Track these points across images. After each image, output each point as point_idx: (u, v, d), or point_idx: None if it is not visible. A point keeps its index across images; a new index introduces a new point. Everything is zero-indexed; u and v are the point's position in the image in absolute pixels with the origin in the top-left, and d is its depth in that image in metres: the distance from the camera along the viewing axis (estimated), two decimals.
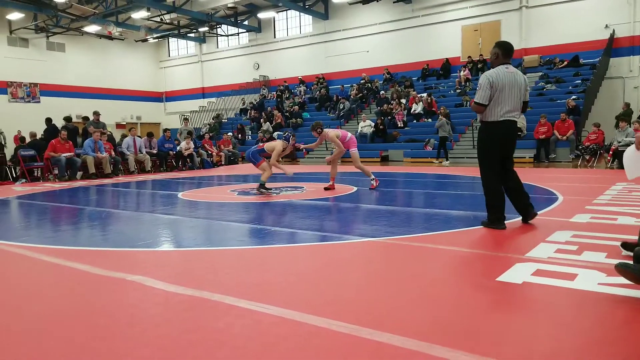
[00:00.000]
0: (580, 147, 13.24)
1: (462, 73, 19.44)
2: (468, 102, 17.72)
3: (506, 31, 19.55)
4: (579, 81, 16.69)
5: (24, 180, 11.83)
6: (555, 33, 18.52)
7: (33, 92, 24.31)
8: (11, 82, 23.53)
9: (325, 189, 8.23)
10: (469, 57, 19.93)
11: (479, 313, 2.44)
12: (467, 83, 19.06)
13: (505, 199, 4.59)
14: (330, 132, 8.27)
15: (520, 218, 4.79)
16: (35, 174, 12.59)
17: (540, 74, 18.13)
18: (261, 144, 8.20)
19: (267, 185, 7.97)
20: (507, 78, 4.39)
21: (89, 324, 2.47)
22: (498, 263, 3.32)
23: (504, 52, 4.52)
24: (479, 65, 19.62)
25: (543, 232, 4.27)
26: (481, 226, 4.62)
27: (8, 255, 4.09)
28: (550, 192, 7.06)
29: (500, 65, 4.49)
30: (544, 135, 13.93)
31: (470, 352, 1.97)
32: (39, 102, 24.18)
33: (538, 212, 4.86)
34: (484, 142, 4.60)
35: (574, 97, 15.34)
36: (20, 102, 23.66)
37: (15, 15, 21.72)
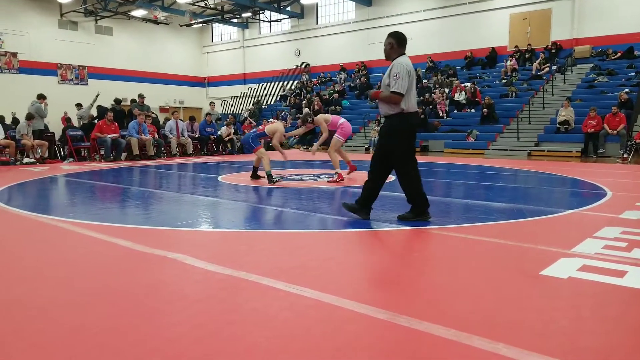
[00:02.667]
0: (631, 143, 12.66)
1: (508, 63, 18.86)
2: (514, 93, 17.23)
3: (557, 20, 18.83)
4: (633, 74, 15.94)
5: (71, 160, 12.27)
6: (609, 23, 17.68)
7: (81, 75, 25.09)
8: (61, 64, 24.34)
9: (347, 174, 8.05)
10: (516, 46, 19.30)
11: (521, 306, 2.37)
12: (514, 73, 18.49)
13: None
14: (320, 117, 7.96)
15: (561, 214, 4.63)
16: (82, 153, 13.04)
17: (591, 65, 17.41)
18: (261, 127, 7.83)
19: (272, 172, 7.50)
20: (412, 68, 4.32)
21: (130, 299, 2.54)
22: (542, 257, 3.21)
23: (398, 42, 4.37)
24: (527, 55, 19.00)
25: (590, 227, 4.11)
26: (400, 220, 4.42)
27: (56, 230, 4.25)
28: (599, 188, 6.79)
29: (398, 55, 4.34)
30: (593, 129, 13.38)
31: (511, 345, 1.91)
32: (86, 84, 24.93)
33: (586, 207, 4.67)
34: (404, 134, 4.34)
35: (626, 90, 14.67)
36: (69, 84, 24.45)
37: None
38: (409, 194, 4.46)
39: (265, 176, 7.39)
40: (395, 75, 4.19)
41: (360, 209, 4.50)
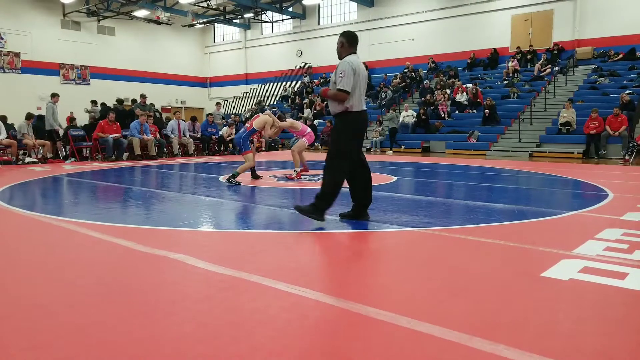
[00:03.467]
0: (632, 144, 12.64)
1: (510, 64, 18.86)
2: (516, 94, 17.22)
3: (559, 21, 18.82)
4: (635, 75, 15.94)
5: (73, 159, 12.28)
6: (611, 24, 17.67)
7: (84, 75, 25.13)
8: (63, 64, 24.38)
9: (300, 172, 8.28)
10: (518, 47, 19.30)
11: (522, 307, 2.37)
12: (516, 74, 18.49)
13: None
14: (288, 121, 8.48)
15: (562, 215, 4.63)
16: (84, 153, 13.06)
17: (593, 66, 17.40)
18: (248, 125, 7.69)
19: (239, 177, 7.54)
20: (361, 67, 4.28)
21: (131, 299, 2.55)
22: (543, 258, 3.22)
23: (349, 41, 4.34)
24: (529, 57, 18.99)
25: (592, 229, 4.11)
26: (295, 210, 4.48)
27: (57, 229, 4.26)
28: (600, 189, 6.79)
29: (349, 54, 4.30)
30: (594, 131, 13.37)
31: (513, 346, 1.92)
32: (89, 84, 24.98)
33: (587, 209, 4.67)
34: (348, 133, 4.31)
35: (628, 91, 14.67)
36: (72, 83, 24.50)
37: None
38: (351, 191, 4.53)
39: (252, 174, 7.80)
40: (341, 73, 4.16)
41: (316, 211, 4.42)
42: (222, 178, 7.99)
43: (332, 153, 4.36)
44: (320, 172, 8.60)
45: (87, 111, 14.51)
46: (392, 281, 2.84)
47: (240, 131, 7.99)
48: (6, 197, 6.11)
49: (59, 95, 12.90)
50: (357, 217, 4.55)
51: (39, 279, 2.87)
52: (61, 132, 12.70)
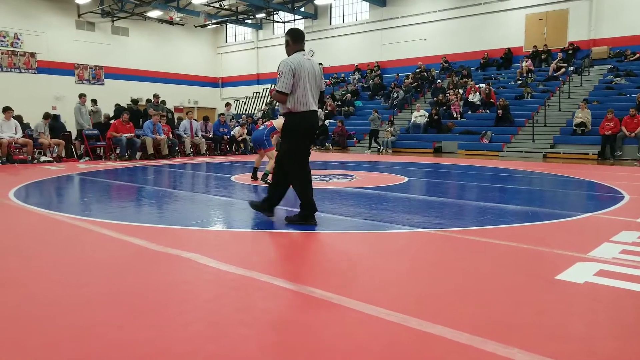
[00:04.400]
0: None
1: (524, 64, 18.67)
2: (529, 94, 17.06)
3: (574, 20, 18.59)
4: None
5: (87, 159, 12.40)
6: (628, 23, 17.41)
7: (98, 75, 25.36)
8: (78, 64, 24.63)
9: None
10: (535, 47, 19.10)
11: (536, 310, 2.34)
12: (529, 74, 18.31)
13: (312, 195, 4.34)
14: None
15: (577, 217, 4.57)
16: (98, 152, 13.18)
17: (609, 66, 17.17)
18: (269, 123, 7.62)
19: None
20: (306, 65, 4.14)
21: (143, 297, 2.56)
22: (558, 261, 3.17)
23: (294, 39, 4.25)
24: (543, 56, 18.80)
25: (607, 231, 4.05)
26: (289, 223, 4.37)
27: (71, 227, 4.30)
28: (616, 191, 6.70)
29: (295, 52, 4.22)
30: (610, 131, 13.19)
31: (526, 350, 1.89)
32: (103, 84, 25.20)
33: (603, 211, 4.61)
34: (294, 134, 4.24)
35: None
36: (86, 83, 24.72)
37: (83, 0, 22.67)
38: (278, 188, 4.46)
39: (253, 174, 7.77)
40: (279, 74, 4.11)
41: (266, 208, 4.47)
42: (252, 180, 7.91)
43: (284, 154, 4.34)
44: (330, 172, 8.64)
45: (91, 112, 14.55)
46: (403, 282, 2.82)
47: (260, 128, 7.89)
48: (22, 196, 6.18)
49: (85, 96, 13.09)
50: (306, 220, 4.41)
51: (52, 277, 2.90)
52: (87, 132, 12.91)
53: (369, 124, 17.48)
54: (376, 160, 13.09)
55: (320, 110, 4.01)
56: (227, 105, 18.39)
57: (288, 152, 4.29)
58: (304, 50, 4.27)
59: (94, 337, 2.05)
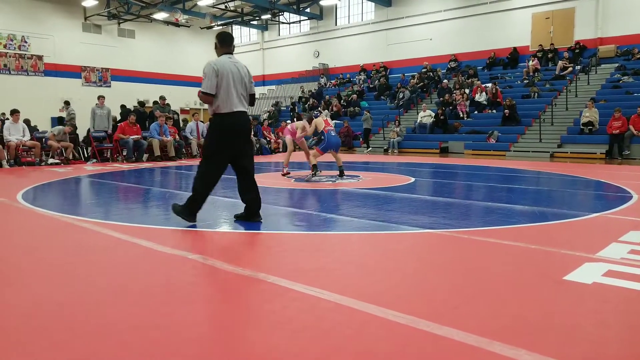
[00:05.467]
0: None
1: (530, 63, 18.59)
2: (536, 94, 16.98)
3: (581, 19, 18.49)
4: None
5: (94, 161, 12.47)
6: (635, 22, 17.30)
7: (104, 77, 25.50)
8: (85, 66, 24.78)
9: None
10: (540, 45, 19.01)
11: (544, 311, 2.33)
12: (536, 74, 18.22)
13: (207, 197, 4.42)
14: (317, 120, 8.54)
15: (584, 217, 4.54)
16: (105, 154, 13.24)
17: (616, 65, 17.07)
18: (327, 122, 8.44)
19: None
20: (230, 68, 4.23)
21: (150, 298, 2.56)
22: (566, 261, 3.16)
23: (221, 42, 4.36)
24: (550, 55, 18.71)
25: (615, 231, 4.02)
26: (236, 219, 4.52)
27: (79, 229, 4.32)
28: (624, 190, 6.65)
29: (223, 54, 4.33)
30: (617, 131, 13.11)
31: (534, 352, 1.88)
32: (109, 86, 25.32)
33: (611, 210, 4.58)
34: (215, 135, 4.33)
35: None
36: (93, 86, 24.86)
37: (89, 2, 22.81)
38: (239, 193, 4.57)
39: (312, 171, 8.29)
40: (204, 76, 4.19)
41: (185, 212, 4.49)
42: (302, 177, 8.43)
43: (203, 155, 4.48)
44: (337, 173, 8.63)
45: (66, 116, 14.56)
46: (410, 283, 2.81)
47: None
48: (30, 198, 6.22)
49: (103, 97, 13.19)
50: (249, 218, 4.58)
51: (60, 278, 2.91)
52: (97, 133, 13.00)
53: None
54: (382, 161, 13.07)
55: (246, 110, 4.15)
56: None
57: (205, 149, 4.45)
58: (231, 53, 4.39)
59: (102, 337, 2.05)
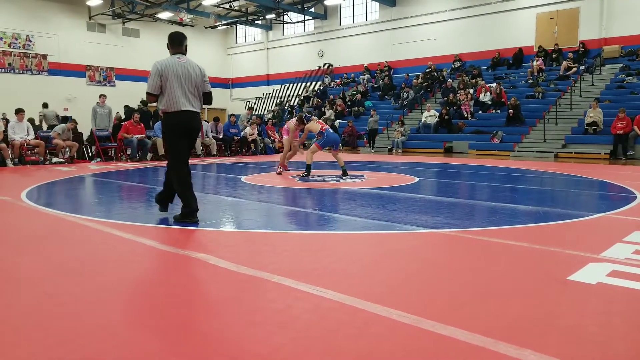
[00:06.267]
0: None
1: (535, 63, 18.54)
2: (541, 94, 16.94)
3: (585, 19, 18.42)
4: None
5: (98, 160, 12.50)
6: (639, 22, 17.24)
7: (109, 76, 25.57)
8: (89, 66, 24.85)
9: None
10: (540, 46, 18.94)
11: (548, 311, 2.32)
12: (540, 74, 18.17)
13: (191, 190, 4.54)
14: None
15: (589, 217, 4.53)
16: (109, 153, 13.28)
17: (620, 65, 17.00)
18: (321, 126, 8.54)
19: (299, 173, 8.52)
20: (177, 68, 4.31)
21: (154, 298, 2.57)
22: (570, 261, 3.15)
23: (170, 42, 4.48)
24: (554, 55, 18.65)
25: (619, 231, 4.01)
26: (174, 221, 4.49)
27: (83, 228, 4.34)
28: (628, 191, 6.63)
29: (173, 55, 4.43)
30: (622, 131, 13.07)
31: (539, 352, 1.88)
32: (114, 85, 25.40)
33: (615, 211, 4.57)
34: (168, 133, 4.47)
35: None
36: (97, 85, 24.93)
37: (94, 2, 22.86)
38: (173, 191, 4.65)
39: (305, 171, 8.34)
40: (149, 76, 4.33)
41: (160, 203, 4.75)
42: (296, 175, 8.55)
43: (168, 156, 4.60)
44: (341, 172, 8.64)
45: (42, 116, 14.57)
46: (414, 283, 2.81)
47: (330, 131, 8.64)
48: (34, 197, 6.25)
49: (105, 96, 13.21)
50: (185, 219, 4.53)
51: (65, 277, 2.92)
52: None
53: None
54: (386, 161, 13.06)
55: (196, 110, 4.31)
56: (250, 109, 18.63)
57: (167, 150, 4.57)
58: (182, 54, 4.47)
59: (107, 336, 2.06)
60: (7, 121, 12.34)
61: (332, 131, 8.38)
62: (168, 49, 4.51)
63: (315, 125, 8.46)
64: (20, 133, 11.43)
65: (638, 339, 2.04)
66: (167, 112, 4.38)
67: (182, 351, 1.92)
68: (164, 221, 4.67)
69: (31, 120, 14.74)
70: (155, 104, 4.58)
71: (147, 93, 4.38)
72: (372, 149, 17.65)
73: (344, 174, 8.38)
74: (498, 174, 9.51)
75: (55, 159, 11.82)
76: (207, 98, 4.62)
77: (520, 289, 2.68)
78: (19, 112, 11.57)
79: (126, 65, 25.99)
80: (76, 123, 13.30)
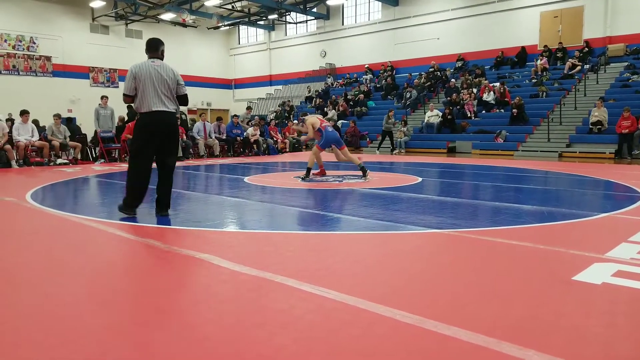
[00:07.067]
0: None
1: (539, 62, 18.47)
2: (545, 93, 16.88)
3: (590, 17, 18.33)
4: None
5: (102, 161, 12.53)
6: None
7: (112, 78, 25.63)
8: (93, 67, 24.93)
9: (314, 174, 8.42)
10: (545, 46, 18.87)
11: (553, 312, 2.31)
12: (544, 73, 18.10)
13: (146, 191, 4.78)
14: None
15: (593, 217, 4.51)
16: (113, 154, 13.31)
17: (625, 63, 16.91)
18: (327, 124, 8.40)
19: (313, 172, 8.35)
20: (150, 70, 4.60)
21: (158, 298, 2.57)
22: (574, 261, 3.13)
23: (148, 47, 4.81)
24: (559, 54, 18.58)
25: (625, 231, 3.98)
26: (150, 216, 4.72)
27: (86, 229, 4.34)
28: (633, 190, 6.59)
29: (149, 59, 4.73)
30: (627, 130, 12.99)
31: (543, 352, 1.86)
32: (117, 87, 25.43)
33: (620, 210, 4.54)
34: (138, 132, 4.73)
35: None
36: (101, 86, 25.00)
37: (97, 3, 22.94)
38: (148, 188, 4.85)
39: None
40: (125, 78, 4.65)
41: (124, 207, 4.82)
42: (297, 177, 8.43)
43: (129, 153, 4.90)
44: (343, 172, 8.64)
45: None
46: (418, 283, 2.80)
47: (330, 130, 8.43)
48: (38, 197, 6.27)
49: (107, 97, 13.21)
50: (158, 212, 4.87)
51: (68, 277, 2.93)
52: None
53: (383, 124, 17.38)
54: (389, 161, 13.05)
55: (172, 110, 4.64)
56: (248, 108, 18.58)
57: (130, 147, 4.84)
58: (157, 58, 4.77)
59: (110, 336, 2.06)
60: (13, 122, 12.38)
61: (331, 129, 8.21)
62: (146, 53, 4.81)
63: (313, 119, 8.32)
64: (25, 134, 11.47)
65: None
66: (141, 113, 4.66)
67: (185, 351, 1.92)
68: (167, 222, 4.68)
69: (35, 122, 14.77)
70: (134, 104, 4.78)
71: (124, 94, 4.67)
72: (379, 149, 17.32)
73: (364, 174, 8.02)
74: (502, 173, 9.49)
75: (59, 160, 11.85)
76: (182, 100, 4.86)
77: (524, 289, 2.67)
78: (24, 113, 11.60)
79: (129, 67, 26.01)
80: (59, 116, 12.97)
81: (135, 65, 4.65)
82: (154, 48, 4.79)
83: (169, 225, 4.51)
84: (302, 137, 8.64)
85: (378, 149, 17.17)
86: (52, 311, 2.37)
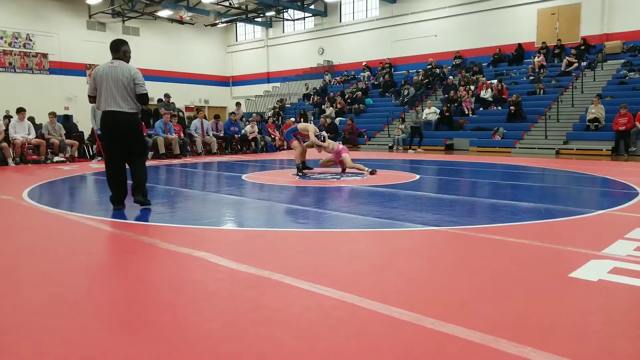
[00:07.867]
0: None
1: (536, 59, 18.47)
2: (542, 90, 16.90)
3: (587, 15, 18.33)
4: None
5: (99, 158, 12.49)
6: None
7: None
8: (90, 64, 24.82)
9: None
10: (544, 42, 18.88)
11: (550, 309, 2.32)
12: (542, 70, 18.11)
13: (122, 185, 5.00)
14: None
15: (590, 214, 4.53)
16: None
17: (622, 61, 16.93)
18: (296, 123, 8.51)
19: (305, 167, 8.49)
20: (107, 71, 4.83)
21: (156, 296, 2.57)
22: (571, 258, 3.14)
23: (110, 49, 5.03)
24: (556, 51, 18.58)
25: (621, 228, 4.00)
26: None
27: (84, 227, 4.34)
28: (630, 187, 6.61)
29: (110, 60, 4.95)
30: (624, 127, 13.02)
31: (541, 349, 1.87)
32: None
33: (617, 207, 4.56)
34: (101, 131, 5.11)
35: None
36: None
37: (93, 0, 22.84)
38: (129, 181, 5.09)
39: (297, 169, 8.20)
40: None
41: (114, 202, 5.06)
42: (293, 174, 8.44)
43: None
44: (338, 170, 8.65)
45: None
46: (415, 281, 2.81)
47: (291, 126, 8.80)
48: (35, 195, 6.25)
49: None
50: (132, 196, 5.17)
51: (68, 277, 2.92)
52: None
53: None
54: (387, 158, 13.06)
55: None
56: (238, 105, 18.46)
57: (103, 147, 5.15)
58: (119, 59, 4.95)
59: (110, 335, 2.06)
60: (10, 119, 12.33)
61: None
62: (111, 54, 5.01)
63: (310, 127, 8.49)
64: (22, 132, 11.43)
65: (639, 336, 2.03)
66: (102, 112, 4.96)
67: (184, 349, 1.92)
68: (164, 220, 4.67)
69: (31, 119, 14.72)
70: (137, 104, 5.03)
71: (88, 95, 5.01)
72: (416, 148, 16.28)
73: (372, 173, 8.30)
74: (499, 170, 9.50)
75: (56, 158, 11.82)
76: (141, 99, 5.02)
77: (522, 286, 2.68)
78: (20, 111, 11.56)
79: None
80: (54, 113, 12.89)
81: (98, 67, 4.91)
82: (115, 49, 5.00)
83: (168, 223, 4.51)
84: (306, 143, 8.52)
85: (410, 148, 16.35)
86: (53, 310, 2.37)
